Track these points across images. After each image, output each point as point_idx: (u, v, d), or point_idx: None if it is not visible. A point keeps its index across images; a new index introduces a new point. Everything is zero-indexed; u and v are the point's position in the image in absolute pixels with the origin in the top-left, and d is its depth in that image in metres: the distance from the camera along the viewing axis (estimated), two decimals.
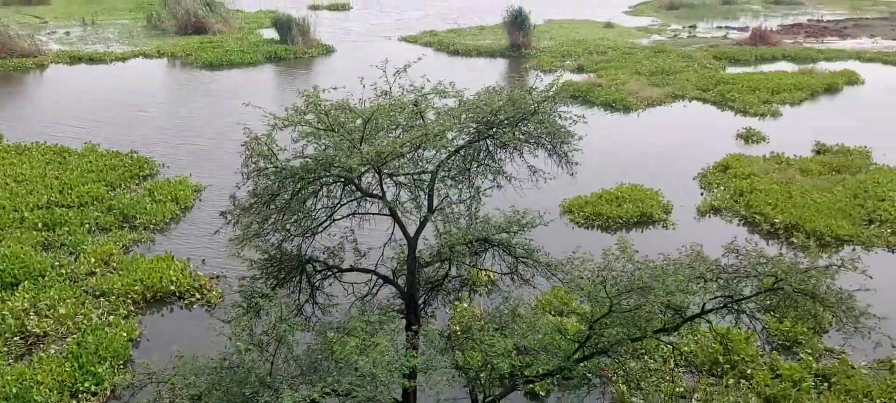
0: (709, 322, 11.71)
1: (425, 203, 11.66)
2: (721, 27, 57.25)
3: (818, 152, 28.83)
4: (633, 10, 66.54)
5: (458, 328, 15.30)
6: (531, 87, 11.77)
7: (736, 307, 11.10)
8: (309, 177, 10.76)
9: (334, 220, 11.80)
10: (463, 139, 11.69)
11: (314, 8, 59.94)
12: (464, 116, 11.64)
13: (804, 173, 26.25)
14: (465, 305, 16.65)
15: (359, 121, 10.87)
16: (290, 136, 10.86)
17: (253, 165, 10.80)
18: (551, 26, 56.04)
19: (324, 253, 12.27)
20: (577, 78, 39.49)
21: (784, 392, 15.12)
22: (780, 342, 16.78)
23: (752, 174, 25.88)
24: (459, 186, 11.89)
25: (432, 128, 10.98)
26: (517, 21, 47.08)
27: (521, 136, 11.59)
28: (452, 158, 11.71)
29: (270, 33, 51.03)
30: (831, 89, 38.01)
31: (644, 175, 26.04)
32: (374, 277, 12.49)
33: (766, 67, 42.93)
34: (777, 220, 22.41)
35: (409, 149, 10.81)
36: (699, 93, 37.27)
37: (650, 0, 69.19)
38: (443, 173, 11.69)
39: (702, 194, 25.40)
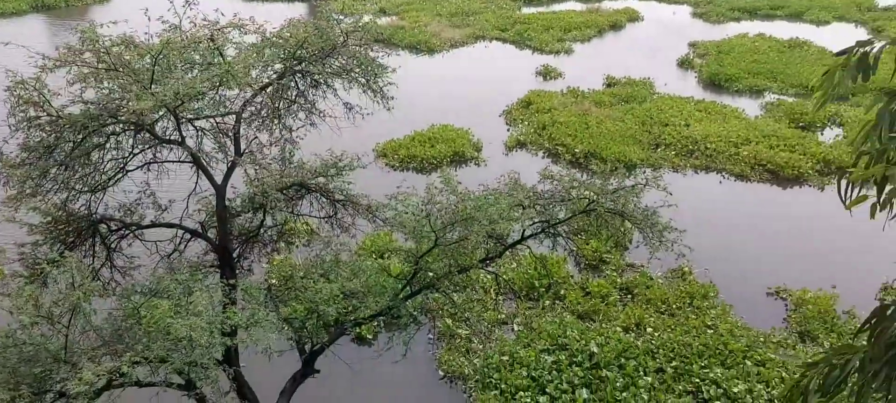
0: (528, 247, 11.98)
1: (232, 148, 10.72)
2: None
3: (609, 85, 30.71)
4: None
5: (275, 280, 14.59)
6: (338, 18, 11.12)
7: (552, 230, 11.41)
8: (92, 126, 9.43)
9: (127, 173, 10.53)
10: (270, 76, 10.83)
11: None
12: (268, 52, 10.77)
13: (598, 105, 27.86)
14: (283, 256, 15.92)
15: (147, 59, 9.65)
16: (66, 80, 9.41)
17: (22, 114, 9.25)
18: None
19: (119, 210, 10.96)
20: (379, 21, 38.97)
21: (594, 307, 16.08)
22: (588, 262, 17.80)
23: (552, 108, 27.04)
24: (270, 127, 11.07)
25: (233, 65, 10.02)
26: None
27: (331, 70, 10.95)
28: (259, 97, 10.85)
29: None
30: (616, 26, 40.62)
31: (453, 115, 26.34)
32: (181, 232, 11.41)
33: (557, 7, 44.97)
34: (577, 150, 23.63)
35: (208, 88, 9.78)
36: (499, 32, 38.28)
37: None
38: (249, 114, 10.81)
39: (508, 130, 26.19)
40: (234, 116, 10.63)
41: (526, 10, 43.64)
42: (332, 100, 11.68)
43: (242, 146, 10.73)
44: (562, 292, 16.62)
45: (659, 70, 32.28)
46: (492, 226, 10.12)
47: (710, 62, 33.25)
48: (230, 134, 10.70)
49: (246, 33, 10.84)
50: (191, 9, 10.11)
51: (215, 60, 10.19)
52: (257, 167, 10.24)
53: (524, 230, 11.26)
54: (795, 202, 21.71)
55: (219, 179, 10.63)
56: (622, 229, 11.40)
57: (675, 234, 10.92)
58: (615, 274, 17.42)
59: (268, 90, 10.93)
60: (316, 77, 11.17)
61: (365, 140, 20.36)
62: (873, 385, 4.46)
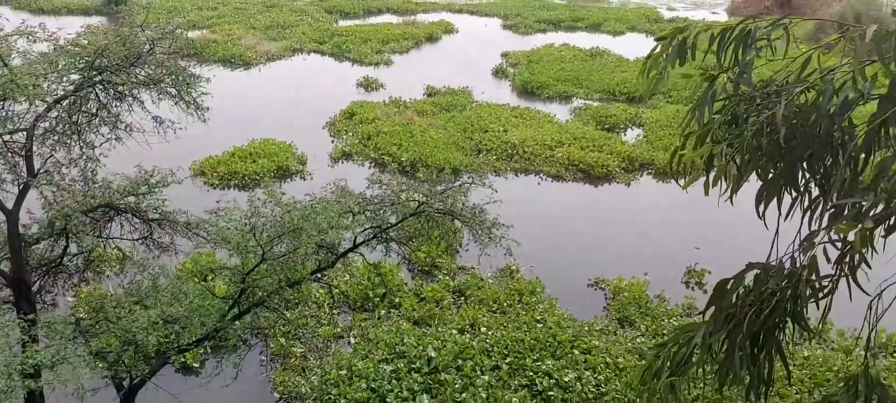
0: (361, 255, 11.76)
1: (25, 169, 9.58)
2: None
3: (429, 95, 31.24)
4: None
5: (84, 312, 13.29)
6: (142, 25, 10.31)
7: (384, 236, 11.29)
8: None
9: None
10: (66, 88, 9.80)
11: None
12: (62, 61, 9.76)
13: (420, 114, 28.23)
14: (92, 287, 14.57)
15: None
16: None
17: None
18: None
19: None
20: (190, 34, 37.10)
21: (429, 312, 16.16)
22: (421, 268, 17.90)
23: (375, 118, 27.04)
24: (68, 144, 10.01)
25: (18, 75, 8.96)
26: None
27: (137, 81, 10.11)
28: (54, 112, 9.78)
29: None
30: (432, 38, 41.50)
31: (275, 129, 25.60)
32: None
33: (373, 20, 45.23)
34: (404, 158, 23.76)
35: None
36: (316, 45, 37.83)
37: None
38: (43, 131, 9.71)
39: (332, 141, 25.85)
40: (24, 133, 9.51)
41: (343, 23, 43.48)
42: (140, 113, 10.83)
43: (37, 166, 9.62)
44: (397, 300, 16.54)
45: (476, 79, 33.32)
46: (322, 236, 9.80)
47: (522, 71, 34.82)
48: (22, 152, 9.56)
49: (35, 41, 9.78)
50: None
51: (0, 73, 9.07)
52: (55, 189, 9.21)
53: (356, 237, 11.05)
54: (606, 197, 23.20)
55: (10, 205, 9.45)
56: (453, 230, 11.51)
57: (503, 230, 11.19)
58: (448, 277, 17.63)
59: (64, 103, 9.90)
60: (119, 88, 10.29)
61: (182, 157, 19.11)
62: (718, 361, 4.71)
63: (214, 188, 21.62)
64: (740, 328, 4.62)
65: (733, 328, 4.71)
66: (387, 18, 45.97)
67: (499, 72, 35.27)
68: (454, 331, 15.50)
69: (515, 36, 43.65)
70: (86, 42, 9.76)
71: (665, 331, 15.93)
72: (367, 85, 32.10)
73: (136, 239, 10.95)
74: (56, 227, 9.85)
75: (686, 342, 5.07)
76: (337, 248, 11.18)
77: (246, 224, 10.00)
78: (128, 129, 10.37)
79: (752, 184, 5.37)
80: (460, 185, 11.20)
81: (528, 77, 33.53)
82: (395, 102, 29.56)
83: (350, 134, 26.07)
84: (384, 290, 16.46)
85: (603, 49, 39.17)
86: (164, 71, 10.16)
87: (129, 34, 9.80)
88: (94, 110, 10.19)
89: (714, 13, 53.37)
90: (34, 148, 9.58)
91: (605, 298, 17.63)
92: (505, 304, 16.74)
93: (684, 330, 5.25)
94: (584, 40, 42.11)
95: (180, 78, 10.27)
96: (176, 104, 10.84)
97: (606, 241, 20.14)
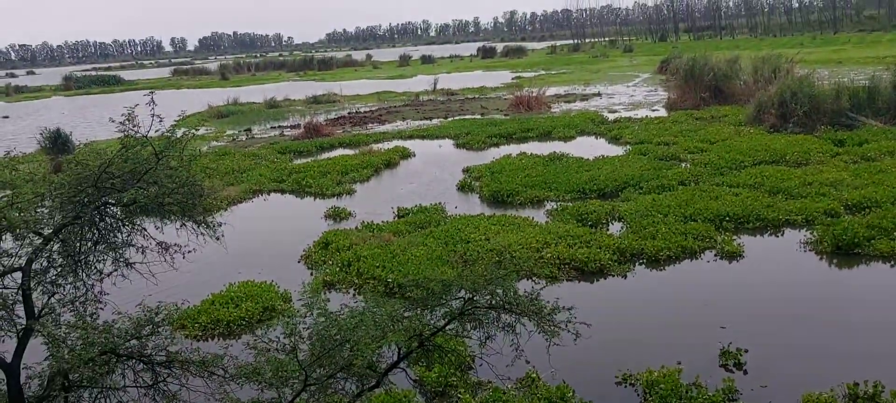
0: (404, 370, 10.43)
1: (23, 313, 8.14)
2: (274, 127, 58.78)
3: (401, 216, 30.42)
4: (180, 121, 64.36)
5: None
6: (145, 136, 9.25)
7: (428, 344, 10.04)
8: None
9: None
10: (65, 216, 8.54)
11: None
12: (57, 188, 8.56)
13: (396, 234, 27.28)
14: None
15: None
16: None
17: None
18: (99, 145, 50.64)
19: None
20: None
21: None
22: (433, 390, 16.40)
23: (352, 244, 25.94)
24: (70, 282, 8.64)
25: (3, 207, 7.74)
26: (59, 143, 41.53)
27: (145, 199, 8.92)
28: (52, 244, 8.47)
29: None
30: (390, 164, 41.24)
31: (250, 270, 24.24)
32: None
33: (328, 154, 44.87)
34: (390, 279, 22.53)
35: None
36: (276, 184, 37.05)
37: (198, 112, 68.04)
38: (43, 265, 8.36)
39: (311, 273, 24.50)
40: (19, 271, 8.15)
41: (298, 161, 43.00)
42: (140, 238, 9.59)
43: (38, 307, 8.21)
44: None
45: (443, 196, 32.85)
46: (377, 345, 8.53)
47: (488, 182, 34.54)
48: (17, 295, 8.15)
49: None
50: None
51: None
52: (63, 331, 7.79)
53: (400, 349, 9.75)
54: (606, 291, 22.28)
55: (9, 357, 7.95)
56: (513, 324, 10.28)
57: (565, 314, 10.10)
58: (468, 395, 16.14)
59: (60, 234, 8.61)
60: (121, 214, 9.08)
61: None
62: None
63: (198, 340, 19.83)
64: None
65: None
66: (340, 151, 45.70)
67: (465, 187, 34.89)
68: None
69: (470, 152, 43.80)
70: (84, 161, 8.61)
71: None
72: (336, 215, 31.16)
73: (140, 387, 9.44)
74: (55, 384, 8.33)
75: None
76: (376, 365, 9.85)
77: (286, 344, 8.65)
78: (140, 252, 9.07)
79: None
80: (507, 274, 10.15)
81: (496, 187, 33.20)
82: (368, 227, 28.60)
83: (329, 263, 24.81)
84: None
85: (560, 153, 39.45)
86: (172, 185, 9.02)
87: (133, 143, 8.70)
88: (94, 239, 8.91)
89: (654, 111, 55.07)
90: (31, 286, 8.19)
91: (638, 395, 16.37)
92: None
93: None
94: (537, 148, 42.50)
95: (192, 191, 9.14)
96: (182, 226, 9.66)
97: (621, 335, 19.04)
